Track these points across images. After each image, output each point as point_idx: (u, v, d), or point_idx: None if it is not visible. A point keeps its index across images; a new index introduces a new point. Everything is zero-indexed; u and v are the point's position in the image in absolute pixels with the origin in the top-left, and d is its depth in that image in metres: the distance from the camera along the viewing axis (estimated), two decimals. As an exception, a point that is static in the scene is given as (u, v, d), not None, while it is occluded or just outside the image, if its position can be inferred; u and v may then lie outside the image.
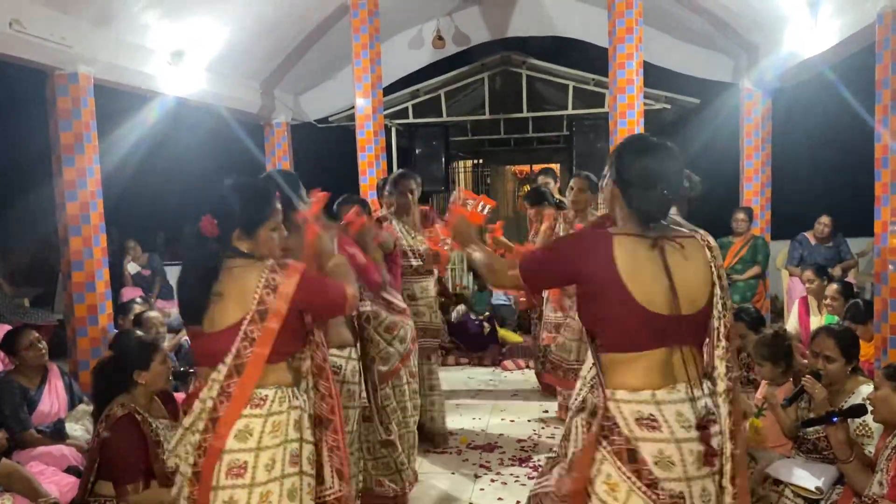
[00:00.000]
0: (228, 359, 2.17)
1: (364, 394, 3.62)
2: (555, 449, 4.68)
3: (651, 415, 1.90)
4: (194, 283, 2.25)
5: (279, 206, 2.36)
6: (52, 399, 4.05)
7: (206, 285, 2.22)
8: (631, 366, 1.94)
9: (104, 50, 5.12)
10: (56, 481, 3.51)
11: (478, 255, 2.28)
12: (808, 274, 5.56)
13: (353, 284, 2.42)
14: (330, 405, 2.40)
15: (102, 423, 3.10)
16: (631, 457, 1.90)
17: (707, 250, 2.03)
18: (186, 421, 2.22)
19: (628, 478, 1.89)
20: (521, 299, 6.46)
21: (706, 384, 1.99)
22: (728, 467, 1.96)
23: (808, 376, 3.15)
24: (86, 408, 4.10)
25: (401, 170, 5.22)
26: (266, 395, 2.20)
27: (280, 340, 2.20)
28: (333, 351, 3.10)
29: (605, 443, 1.93)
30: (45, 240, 8.03)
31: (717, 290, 2.00)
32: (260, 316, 2.18)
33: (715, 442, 1.93)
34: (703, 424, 1.91)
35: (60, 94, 4.93)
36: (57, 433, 3.89)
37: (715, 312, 2.00)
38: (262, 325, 2.17)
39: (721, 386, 1.99)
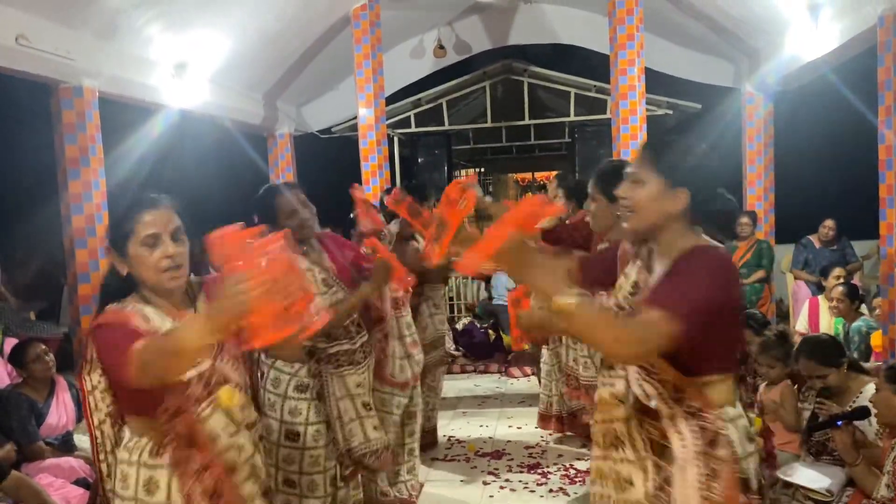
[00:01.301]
0: None
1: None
2: (563, 454, 4.69)
3: (748, 430, 1.84)
4: None
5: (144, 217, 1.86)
6: (59, 411, 4.06)
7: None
8: (727, 383, 1.82)
9: (108, 63, 5.15)
10: (64, 493, 3.51)
11: (570, 300, 1.55)
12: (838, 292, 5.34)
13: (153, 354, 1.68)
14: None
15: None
16: (744, 487, 1.78)
17: None
18: None
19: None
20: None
21: None
22: None
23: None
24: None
25: (414, 181, 5.27)
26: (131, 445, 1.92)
27: (119, 395, 1.93)
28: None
29: (727, 471, 1.73)
30: (50, 253, 8.04)
31: None
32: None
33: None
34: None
35: (65, 108, 4.95)
36: (65, 445, 3.90)
37: None
38: None
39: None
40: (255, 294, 1.45)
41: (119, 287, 1.93)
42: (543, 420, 5.00)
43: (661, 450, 1.82)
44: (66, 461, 3.77)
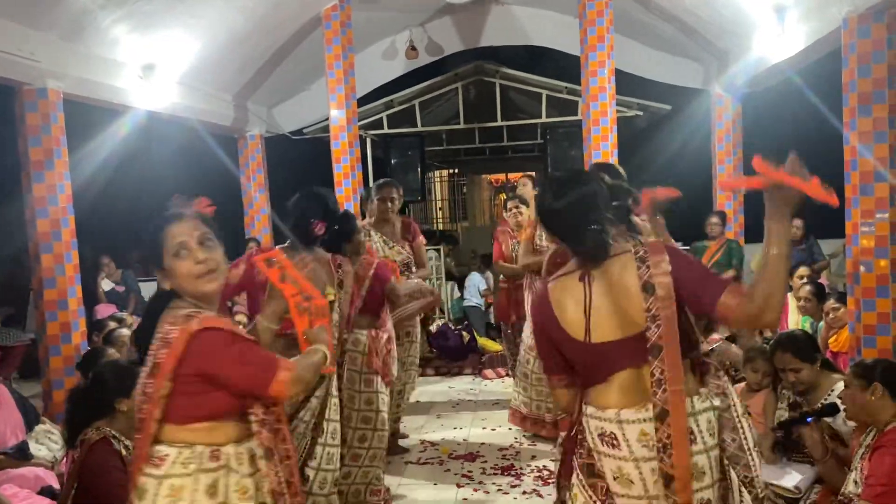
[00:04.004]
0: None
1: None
2: (536, 455, 4.70)
3: (612, 433, 1.94)
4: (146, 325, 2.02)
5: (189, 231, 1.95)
6: (4, 420, 3.97)
7: (150, 327, 1.97)
8: (604, 389, 1.98)
9: (73, 64, 5.06)
10: (31, 503, 3.44)
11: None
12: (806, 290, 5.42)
13: (295, 370, 1.92)
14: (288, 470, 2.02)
15: (77, 448, 3.02)
16: (590, 471, 2.00)
17: (639, 262, 1.93)
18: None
19: (584, 489, 2.01)
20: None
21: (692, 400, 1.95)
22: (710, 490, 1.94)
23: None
24: (45, 427, 4.05)
25: (384, 178, 5.26)
26: (165, 455, 1.87)
27: (179, 403, 1.87)
28: None
29: (575, 453, 2.07)
30: (15, 258, 7.89)
31: (649, 302, 1.89)
32: (151, 370, 1.89)
33: (698, 460, 1.91)
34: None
35: (29, 110, 4.87)
36: (21, 454, 3.82)
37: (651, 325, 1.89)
38: (152, 381, 1.88)
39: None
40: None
41: (168, 299, 1.97)
42: (514, 417, 5.11)
43: None
44: (31, 471, 3.68)
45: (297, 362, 1.96)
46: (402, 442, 5.03)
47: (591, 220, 1.93)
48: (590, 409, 2.00)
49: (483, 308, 8.32)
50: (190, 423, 1.89)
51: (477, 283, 8.36)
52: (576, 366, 2.04)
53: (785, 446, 3.27)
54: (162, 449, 1.88)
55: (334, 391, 3.22)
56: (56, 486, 3.58)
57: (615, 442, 1.93)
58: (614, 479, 1.94)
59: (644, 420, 1.90)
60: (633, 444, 1.91)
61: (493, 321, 8.04)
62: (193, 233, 1.94)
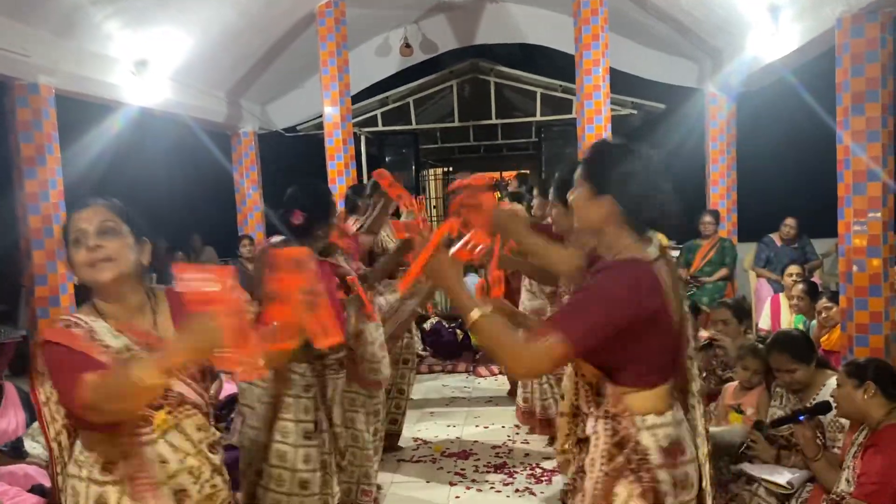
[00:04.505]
0: None
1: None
2: (529, 453, 4.70)
3: (678, 438, 1.81)
4: None
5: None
6: (9, 418, 3.95)
7: None
8: (663, 390, 1.82)
9: (65, 60, 5.03)
10: (20, 501, 3.42)
11: (476, 316, 1.74)
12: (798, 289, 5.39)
13: (99, 378, 1.63)
14: None
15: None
16: (657, 500, 1.76)
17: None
18: None
19: None
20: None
21: None
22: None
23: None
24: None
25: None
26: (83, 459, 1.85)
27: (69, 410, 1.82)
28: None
29: (632, 478, 1.77)
30: (6, 254, 7.85)
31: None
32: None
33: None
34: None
35: (21, 106, 4.84)
36: (15, 451, 3.79)
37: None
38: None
39: (695, 403, 1.92)
40: (228, 330, 1.51)
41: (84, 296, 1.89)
42: (523, 415, 5.07)
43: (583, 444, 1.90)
44: (21, 468, 3.65)
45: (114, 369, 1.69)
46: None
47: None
48: (650, 420, 1.77)
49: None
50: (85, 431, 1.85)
51: (473, 282, 8.36)
52: (652, 360, 1.80)
53: (776, 443, 3.27)
54: (78, 450, 1.87)
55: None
56: (47, 484, 3.56)
57: (683, 446, 1.81)
58: (682, 489, 1.79)
59: (666, 425, 1.81)
60: (689, 444, 1.83)
61: None
62: (94, 219, 1.80)
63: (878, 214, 4.37)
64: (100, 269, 1.78)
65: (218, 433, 1.99)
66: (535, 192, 4.73)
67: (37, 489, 3.59)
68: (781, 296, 5.79)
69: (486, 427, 5.37)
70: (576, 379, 1.94)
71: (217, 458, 1.94)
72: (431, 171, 13.08)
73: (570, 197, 1.91)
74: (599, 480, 1.80)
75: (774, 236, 7.05)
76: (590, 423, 1.86)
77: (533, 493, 4.11)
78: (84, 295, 1.91)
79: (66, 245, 1.83)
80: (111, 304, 1.84)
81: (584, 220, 1.88)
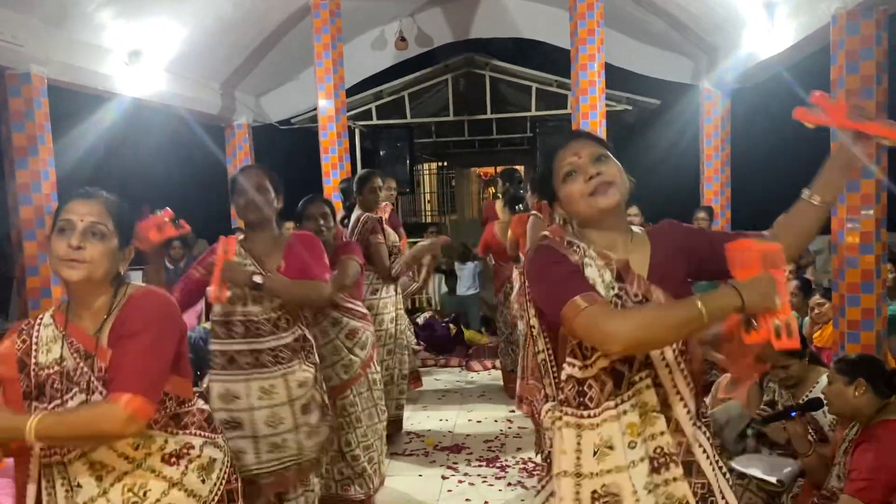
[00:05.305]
0: None
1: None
2: (521, 447, 4.71)
3: None
4: None
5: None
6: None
7: None
8: None
9: (58, 49, 4.99)
10: (12, 493, 3.40)
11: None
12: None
13: None
14: None
15: None
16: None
17: None
18: None
19: None
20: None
21: None
22: None
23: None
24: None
25: (365, 169, 5.23)
26: None
27: None
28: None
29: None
30: (-2, 245, 7.81)
31: None
32: None
33: None
34: None
35: (12, 95, 4.80)
36: None
37: None
38: None
39: None
40: None
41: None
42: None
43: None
44: (10, 459, 3.65)
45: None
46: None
47: None
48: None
49: (479, 295, 8.39)
50: None
51: (473, 269, 8.36)
52: None
53: (768, 441, 3.29)
54: None
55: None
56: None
57: None
58: None
59: None
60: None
61: (488, 311, 8.11)
62: (86, 217, 1.77)
63: (871, 212, 4.38)
64: (71, 266, 1.75)
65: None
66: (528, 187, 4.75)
67: (27, 481, 3.57)
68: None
69: (478, 421, 5.38)
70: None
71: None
72: (426, 166, 13.07)
73: (598, 166, 1.72)
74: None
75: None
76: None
77: (525, 487, 4.12)
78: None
79: (53, 227, 1.81)
80: (81, 307, 1.82)
81: (624, 186, 1.75)
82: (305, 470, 2.94)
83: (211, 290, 2.65)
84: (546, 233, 1.79)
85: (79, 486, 1.76)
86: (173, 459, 1.81)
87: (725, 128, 7.74)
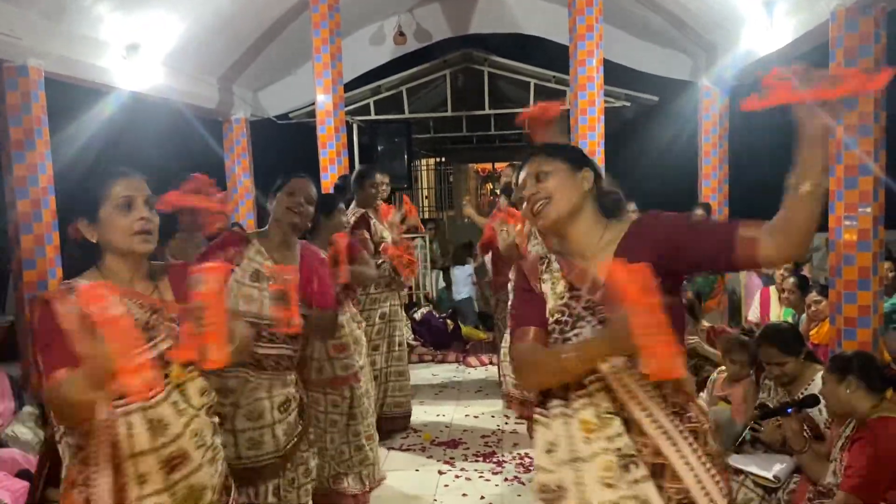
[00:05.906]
0: None
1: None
2: (518, 442, 4.71)
3: None
4: None
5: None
6: (-1, 409, 3.94)
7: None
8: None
9: (55, 42, 4.98)
10: (7, 486, 3.40)
11: None
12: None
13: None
14: None
15: (52, 427, 3.00)
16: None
17: None
18: None
19: None
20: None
21: None
22: None
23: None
24: (31, 410, 3.99)
25: (363, 165, 5.22)
26: None
27: None
28: None
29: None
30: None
31: None
32: None
33: None
34: None
35: (9, 88, 4.79)
36: None
37: None
38: None
39: None
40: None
41: (83, 256, 1.87)
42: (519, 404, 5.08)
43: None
44: (8, 452, 3.65)
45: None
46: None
47: None
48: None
49: (474, 298, 8.38)
50: None
51: (468, 271, 8.36)
52: None
53: (761, 440, 3.29)
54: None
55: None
56: (33, 470, 3.54)
57: None
58: None
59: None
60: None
61: (483, 309, 8.09)
62: (143, 191, 1.87)
63: (869, 209, 4.38)
64: (143, 239, 1.83)
65: (214, 395, 1.99)
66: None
67: (24, 474, 3.58)
68: (771, 289, 5.82)
69: (475, 416, 5.38)
70: None
71: (216, 420, 1.97)
72: (424, 162, 13.05)
73: (532, 185, 1.85)
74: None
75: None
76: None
77: (521, 482, 4.12)
78: (78, 254, 1.89)
79: (94, 203, 1.81)
80: (120, 272, 1.85)
81: (565, 198, 1.82)
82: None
83: (281, 315, 2.48)
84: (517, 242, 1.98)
85: (166, 424, 1.80)
86: (211, 412, 1.98)
87: (724, 125, 7.74)
